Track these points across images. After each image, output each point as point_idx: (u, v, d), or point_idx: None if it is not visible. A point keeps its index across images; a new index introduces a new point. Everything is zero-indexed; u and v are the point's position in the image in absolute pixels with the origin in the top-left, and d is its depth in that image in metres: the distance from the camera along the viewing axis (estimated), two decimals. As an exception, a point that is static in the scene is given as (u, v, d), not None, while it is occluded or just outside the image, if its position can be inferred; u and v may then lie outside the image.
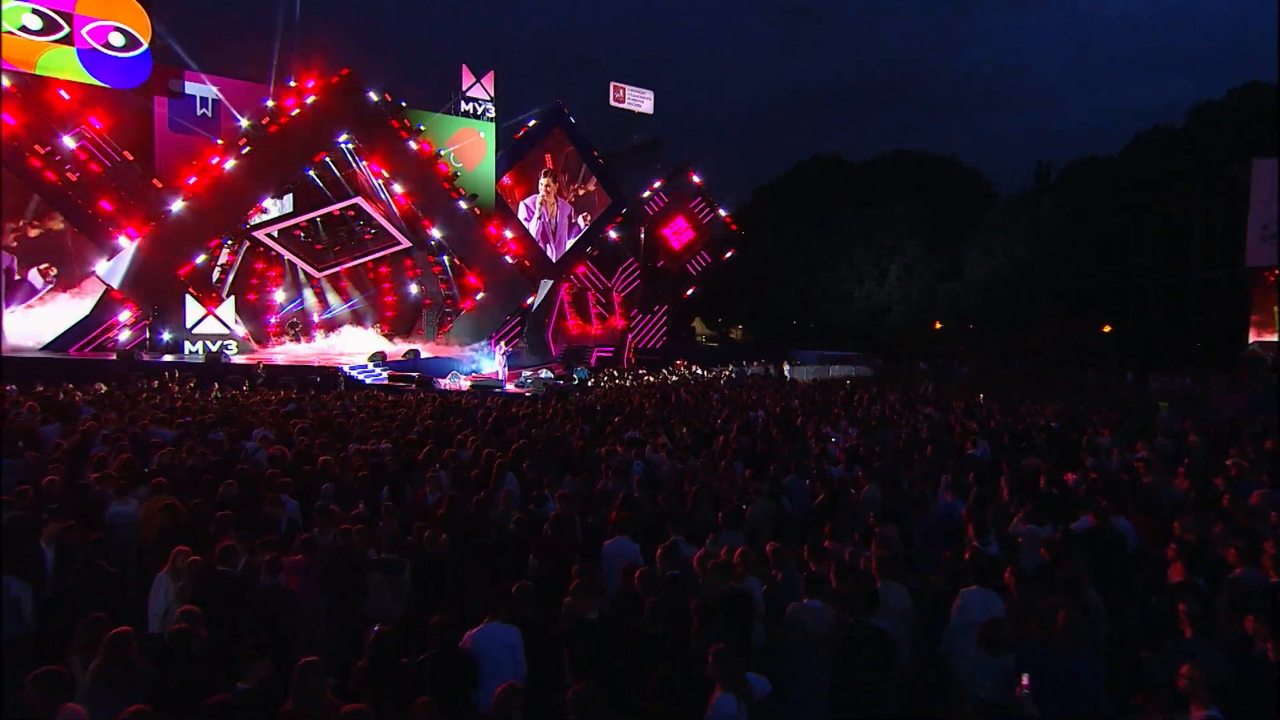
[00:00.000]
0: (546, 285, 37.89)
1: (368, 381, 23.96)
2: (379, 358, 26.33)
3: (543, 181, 38.54)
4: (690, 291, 46.22)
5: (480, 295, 33.21)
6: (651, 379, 28.96)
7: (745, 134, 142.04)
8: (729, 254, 47.21)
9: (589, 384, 25.84)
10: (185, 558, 6.05)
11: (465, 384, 24.72)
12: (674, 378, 30.01)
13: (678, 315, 47.88)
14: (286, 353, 29.70)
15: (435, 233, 31.83)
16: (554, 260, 38.58)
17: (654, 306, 43.94)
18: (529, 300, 34.75)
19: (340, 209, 32.17)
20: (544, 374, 27.42)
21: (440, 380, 24.82)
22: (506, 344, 30.39)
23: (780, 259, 59.95)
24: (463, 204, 31.93)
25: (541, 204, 38.34)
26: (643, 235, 42.62)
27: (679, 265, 45.11)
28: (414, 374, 24.50)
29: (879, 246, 58.35)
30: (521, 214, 37.43)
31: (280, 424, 13.09)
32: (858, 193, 60.37)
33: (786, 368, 36.29)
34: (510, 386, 24.77)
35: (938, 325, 55.18)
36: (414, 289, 35.92)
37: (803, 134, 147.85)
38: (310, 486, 9.04)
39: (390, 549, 6.81)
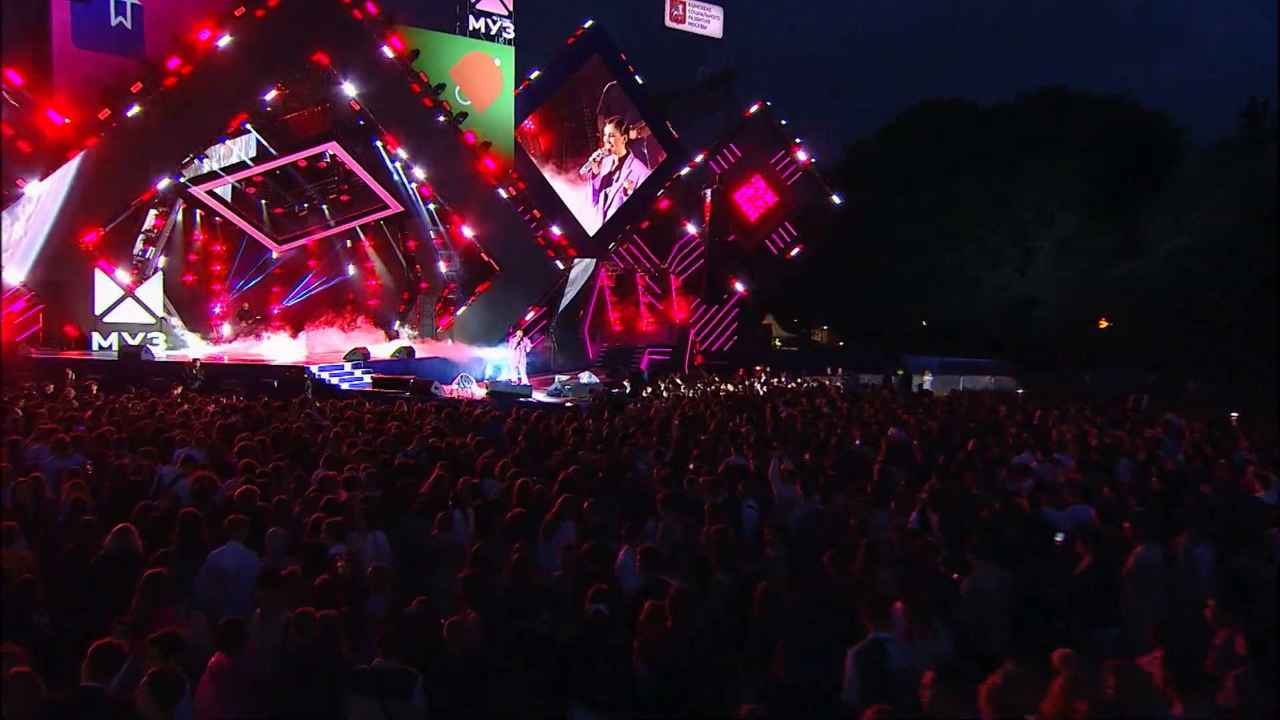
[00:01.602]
0: (584, 269, 36.84)
1: (345, 387, 23.76)
2: (359, 357, 26.08)
3: (609, 130, 37.73)
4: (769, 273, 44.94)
5: (493, 278, 32.40)
6: (730, 388, 27.58)
7: (836, 75, 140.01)
8: (823, 226, 45.56)
9: (647, 393, 24.72)
10: (11, 663, 4.31)
11: (479, 391, 24.48)
12: (762, 387, 28.54)
13: (752, 309, 46.47)
14: (235, 350, 29.33)
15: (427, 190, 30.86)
16: (590, 235, 37.11)
17: (723, 296, 42.44)
18: (558, 284, 33.86)
19: (308, 159, 31.44)
20: (585, 378, 26.98)
21: (445, 386, 24.64)
22: (527, 340, 29.93)
23: (880, 237, 58.19)
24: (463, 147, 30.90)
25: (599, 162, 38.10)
26: (708, 200, 41.28)
27: (756, 240, 43.48)
28: (407, 378, 24.18)
29: (1020, 218, 56.10)
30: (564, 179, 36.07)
31: (215, 442, 11.81)
32: (989, 147, 58.23)
33: (928, 378, 35.49)
34: (540, 395, 24.23)
35: (1103, 324, 52.52)
36: (405, 268, 35.25)
37: (910, 77, 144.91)
38: (252, 534, 7.49)
39: (387, 649, 5.08)
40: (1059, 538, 8.68)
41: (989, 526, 8.16)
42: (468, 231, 31.42)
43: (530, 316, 33.10)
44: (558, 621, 6.68)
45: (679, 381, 29.37)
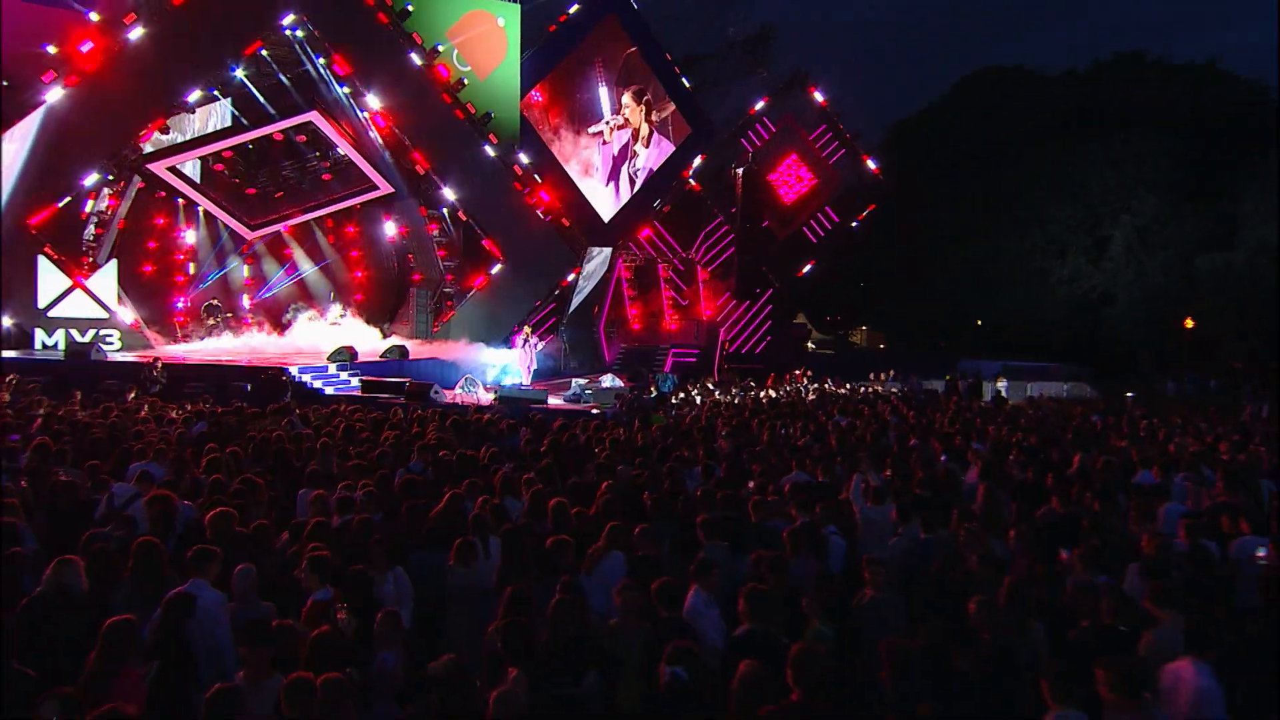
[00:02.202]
0: (600, 261, 35.98)
1: (329, 391, 23.18)
2: (345, 357, 25.37)
3: (626, 101, 36.81)
4: (808, 268, 44.16)
5: (497, 269, 31.92)
6: (773, 394, 26.76)
7: (882, 39, 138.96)
8: (867, 212, 44.56)
9: (678, 399, 23.97)
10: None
11: (485, 396, 23.84)
12: (809, 393, 27.70)
13: (785, 306, 45.97)
14: (201, 350, 28.81)
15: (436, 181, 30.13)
16: (605, 220, 36.26)
17: (754, 290, 41.63)
18: (569, 278, 33.24)
19: (286, 131, 30.91)
20: (608, 381, 26.42)
21: (446, 390, 24.01)
22: (537, 338, 29.33)
23: (929, 225, 57.43)
24: (471, 126, 30.15)
25: (613, 131, 37.07)
26: (739, 181, 40.33)
27: (792, 227, 42.61)
28: (402, 380, 23.63)
29: (1092, 202, 55.01)
30: (585, 153, 35.25)
31: (179, 455, 11.16)
32: (1054, 121, 57.25)
33: (1003, 384, 34.90)
34: (557, 401, 23.64)
35: (1189, 323, 51.41)
36: (397, 258, 34.82)
37: (964, 43, 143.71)
38: (222, 569, 6.74)
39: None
40: (1260, 553, 7.93)
41: (1155, 565, 7.22)
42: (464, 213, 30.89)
43: (536, 313, 32.38)
44: (615, 683, 5.87)
45: (710, 386, 28.83)
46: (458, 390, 24.26)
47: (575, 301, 35.11)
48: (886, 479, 11.38)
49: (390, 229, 34.64)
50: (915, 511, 9.19)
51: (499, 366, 27.61)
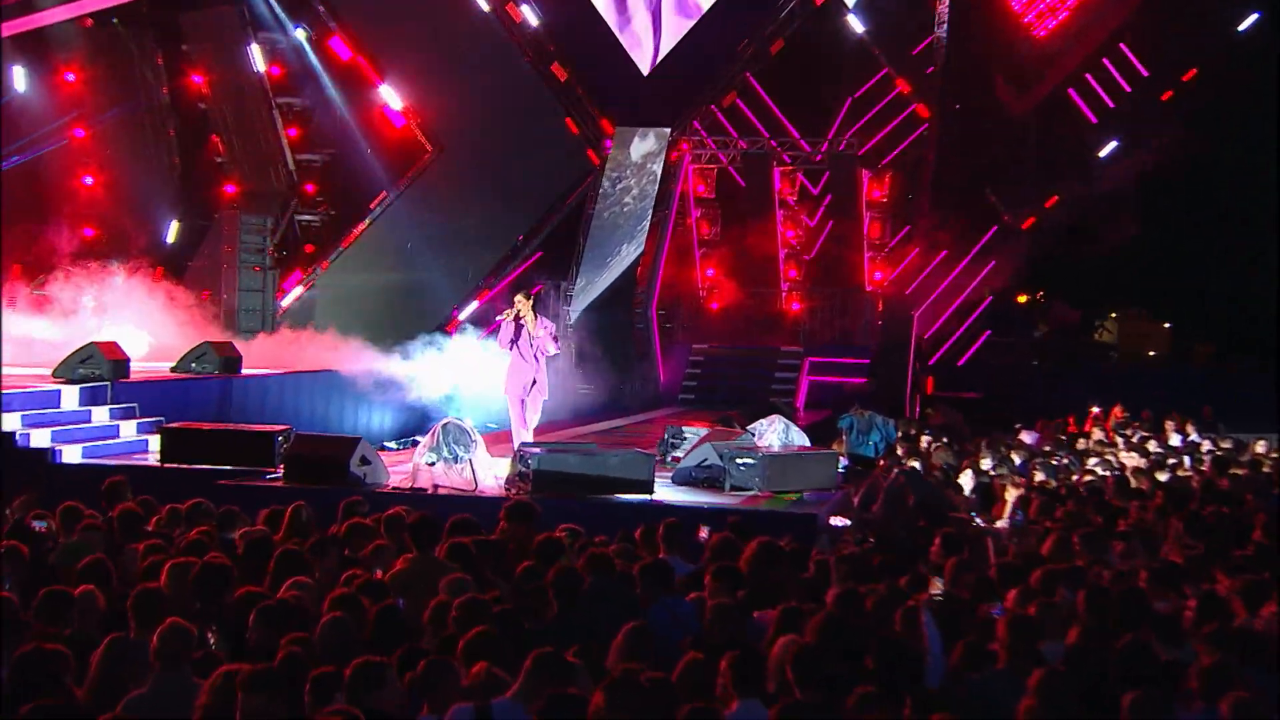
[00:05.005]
0: (638, 163, 22.95)
1: (69, 458, 12.70)
2: (99, 369, 14.50)
3: None
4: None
5: (425, 169, 21.56)
6: (1133, 461, 14.81)
7: None
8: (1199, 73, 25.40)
9: (910, 467, 13.30)
10: None
11: (494, 470, 12.03)
12: (1204, 458, 15.66)
13: (1026, 266, 27.02)
14: None
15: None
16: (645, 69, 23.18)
17: (970, 231, 25.57)
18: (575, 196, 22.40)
19: None
20: (771, 436, 13.82)
21: (399, 454, 14.32)
22: (546, 325, 14.23)
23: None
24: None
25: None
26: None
27: (1046, 88, 25.58)
28: (270, 430, 12.77)
29: None
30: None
31: None
32: None
33: None
34: (672, 493, 12.10)
35: None
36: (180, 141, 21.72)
37: None
38: None
39: None
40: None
41: None
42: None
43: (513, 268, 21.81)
44: None
45: (947, 441, 16.46)
46: (424, 459, 11.81)
47: (612, 260, 23.23)
48: None
49: (162, 77, 21.79)
50: None
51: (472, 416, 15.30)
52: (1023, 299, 28.41)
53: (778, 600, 5.89)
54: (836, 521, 10.96)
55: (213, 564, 6.02)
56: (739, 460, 12.01)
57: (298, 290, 22.66)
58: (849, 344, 24.71)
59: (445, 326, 20.68)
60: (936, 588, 6.45)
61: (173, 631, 4.77)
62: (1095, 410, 19.65)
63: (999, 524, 10.34)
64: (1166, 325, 29.54)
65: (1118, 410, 19.27)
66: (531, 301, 13.30)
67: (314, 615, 5.28)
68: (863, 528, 10.35)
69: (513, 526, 7.70)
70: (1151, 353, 28.63)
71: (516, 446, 12.21)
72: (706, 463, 12.30)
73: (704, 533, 8.75)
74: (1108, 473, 13.31)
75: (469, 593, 5.56)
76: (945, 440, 16.33)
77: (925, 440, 16.26)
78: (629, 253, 23.89)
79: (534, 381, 13.10)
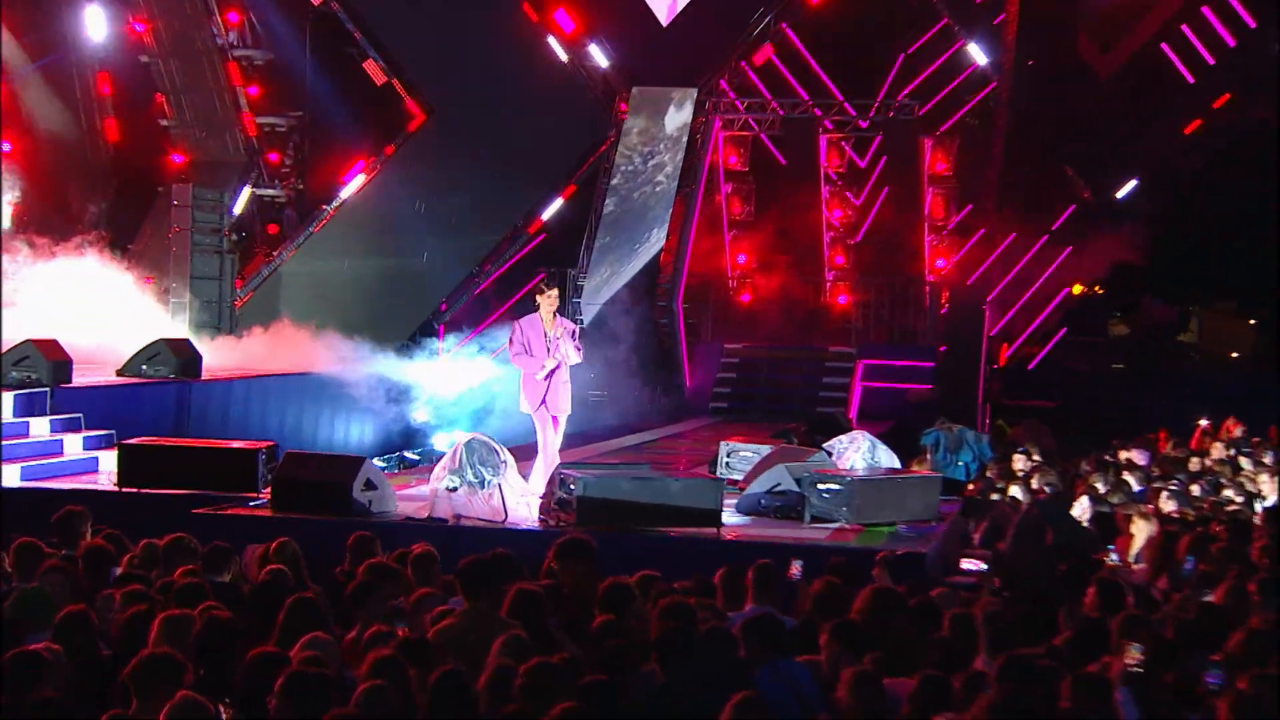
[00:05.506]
0: (665, 134, 21.75)
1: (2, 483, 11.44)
2: (34, 369, 13.53)
3: None
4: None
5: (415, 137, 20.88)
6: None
7: None
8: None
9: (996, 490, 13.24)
10: None
11: (524, 495, 10.96)
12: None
13: (1108, 251, 24.73)
14: None
15: None
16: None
17: (1047, 212, 23.96)
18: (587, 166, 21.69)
19: None
20: (853, 455, 12.75)
21: (418, 483, 12.32)
22: (570, 329, 12.28)
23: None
24: None
25: None
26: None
27: (1130, 47, 23.93)
28: (254, 448, 11.99)
29: None
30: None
31: None
32: None
33: None
34: (736, 520, 11.01)
35: None
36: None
37: None
38: None
39: None
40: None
41: None
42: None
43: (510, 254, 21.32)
44: None
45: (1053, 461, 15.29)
46: (443, 484, 10.60)
47: (640, 247, 22.02)
48: None
49: (95, 25, 20.35)
50: None
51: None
52: (1099, 290, 26.34)
53: (905, 664, 5.64)
54: (968, 564, 10.12)
55: (217, 619, 5.56)
56: (821, 486, 10.94)
57: (259, 278, 21.39)
58: (910, 343, 23.10)
59: (433, 321, 19.96)
60: (1127, 655, 5.62)
61: (186, 708, 4.54)
62: (1204, 424, 17.91)
63: (1135, 566, 9.40)
64: (1251, 323, 27.65)
65: (1232, 424, 17.50)
66: (549, 288, 11.66)
67: (348, 682, 5.01)
68: (994, 572, 9.38)
69: (567, 567, 6.84)
70: (1234, 354, 27.05)
71: (544, 468, 11.16)
72: (780, 488, 11.22)
73: (796, 570, 7.79)
74: (1241, 498, 12.40)
75: (535, 656, 5.02)
76: (1043, 461, 14.76)
77: (1020, 460, 14.57)
78: (658, 238, 22.36)
79: (548, 390, 11.49)
